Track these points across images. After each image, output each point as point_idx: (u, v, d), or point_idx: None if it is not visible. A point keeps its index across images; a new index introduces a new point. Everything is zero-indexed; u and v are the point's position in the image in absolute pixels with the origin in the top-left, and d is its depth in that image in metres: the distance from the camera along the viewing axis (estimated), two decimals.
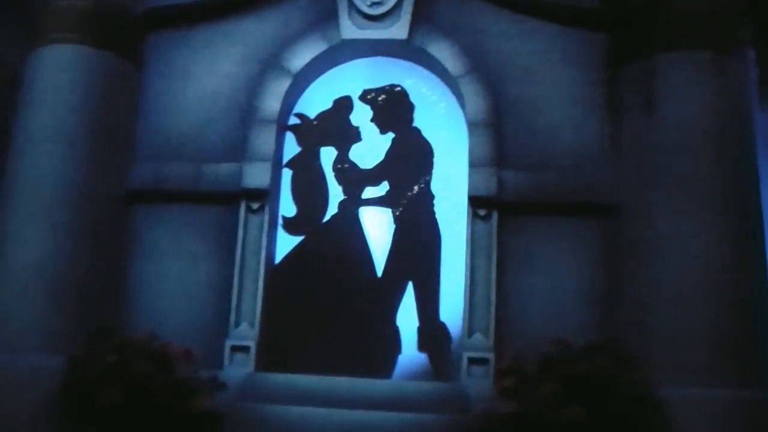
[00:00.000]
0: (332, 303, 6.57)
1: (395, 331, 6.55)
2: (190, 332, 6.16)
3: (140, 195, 6.61)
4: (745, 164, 5.96)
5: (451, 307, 6.44)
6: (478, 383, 5.92)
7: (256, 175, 6.51)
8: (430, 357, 6.48)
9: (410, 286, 6.63)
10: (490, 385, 5.80)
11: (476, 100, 6.51)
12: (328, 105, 6.97)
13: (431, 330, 6.51)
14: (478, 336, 6.11)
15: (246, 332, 6.27)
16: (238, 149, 6.61)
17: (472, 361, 6.04)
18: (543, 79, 6.57)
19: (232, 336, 6.26)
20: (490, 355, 6.01)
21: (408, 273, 6.64)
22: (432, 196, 6.73)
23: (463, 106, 6.62)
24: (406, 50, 6.79)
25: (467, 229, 6.33)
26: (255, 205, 6.51)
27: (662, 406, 5.29)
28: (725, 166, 5.83)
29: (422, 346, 6.50)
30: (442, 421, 5.74)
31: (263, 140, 6.61)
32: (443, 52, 6.65)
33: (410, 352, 6.50)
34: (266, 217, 6.51)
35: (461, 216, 6.46)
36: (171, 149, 6.72)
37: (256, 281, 6.38)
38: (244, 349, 6.23)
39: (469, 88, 6.54)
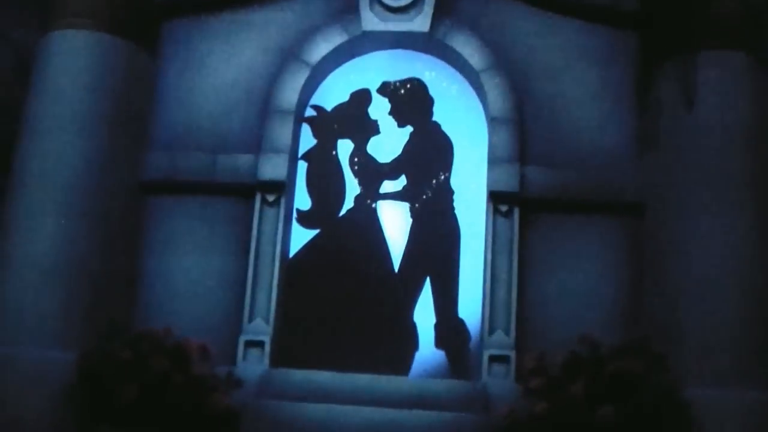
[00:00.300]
0: (348, 298, 6.48)
1: (412, 327, 6.46)
2: (204, 327, 6.06)
3: (155, 185, 6.49)
4: None
5: (471, 304, 6.38)
6: (498, 382, 5.88)
7: (273, 168, 6.41)
8: (448, 354, 6.41)
9: (428, 282, 6.55)
10: (510, 383, 5.80)
11: (498, 95, 6.44)
12: (346, 97, 6.87)
13: (449, 327, 6.44)
14: (499, 334, 6.04)
15: (260, 327, 6.16)
16: (255, 141, 6.51)
17: (493, 359, 5.97)
18: (568, 77, 6.51)
19: (246, 331, 6.14)
20: (512, 354, 5.95)
21: (426, 268, 6.56)
22: (451, 191, 6.65)
23: (483, 100, 6.55)
24: (427, 43, 6.70)
25: (487, 226, 6.26)
26: (271, 198, 6.41)
27: (690, 407, 5.23)
28: (759, 166, 5.79)
29: (440, 342, 6.43)
30: (465, 421, 5.65)
31: (280, 132, 6.50)
32: (465, 45, 6.57)
33: (427, 349, 6.42)
34: (282, 210, 6.41)
35: (480, 212, 6.40)
36: (187, 139, 6.59)
37: (271, 275, 6.27)
38: (259, 344, 6.12)
39: (491, 82, 6.46)
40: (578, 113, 6.44)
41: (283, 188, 6.41)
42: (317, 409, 5.71)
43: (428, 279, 6.55)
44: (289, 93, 6.58)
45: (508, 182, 6.22)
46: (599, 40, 6.57)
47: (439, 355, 6.41)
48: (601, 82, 6.49)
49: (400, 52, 6.83)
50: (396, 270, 6.60)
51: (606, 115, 6.43)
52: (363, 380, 5.94)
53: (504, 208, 6.22)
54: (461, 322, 6.44)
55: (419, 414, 5.68)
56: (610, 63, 6.52)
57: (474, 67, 6.52)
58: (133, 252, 6.37)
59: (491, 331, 6.05)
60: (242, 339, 6.11)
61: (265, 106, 6.57)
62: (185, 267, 6.36)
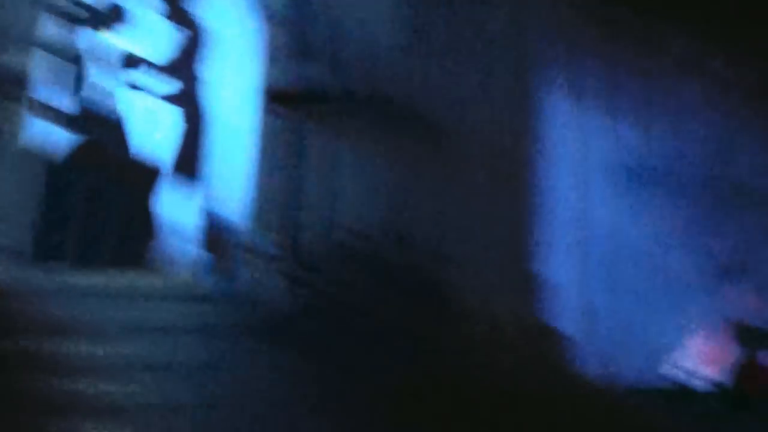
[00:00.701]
0: (107, 197, 6.32)
1: (174, 225, 6.41)
2: None
3: None
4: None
5: (239, 203, 6.33)
6: (265, 278, 5.96)
7: (13, 59, 5.92)
8: (213, 252, 6.38)
9: (193, 180, 6.48)
10: (275, 278, 5.92)
11: None
12: None
13: (214, 225, 6.42)
14: (266, 231, 6.10)
15: (11, 229, 5.81)
16: None
17: (259, 255, 6.03)
18: None
19: None
20: (278, 251, 6.03)
21: (192, 167, 6.48)
22: (220, 89, 6.53)
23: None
24: None
25: (261, 122, 6.22)
26: (14, 91, 5.93)
27: (444, 289, 5.63)
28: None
29: (204, 241, 6.40)
30: (230, 315, 5.69)
31: (22, 20, 6.02)
32: None
33: (191, 247, 6.39)
34: (24, 104, 6.00)
35: (254, 109, 6.31)
36: None
37: (18, 172, 5.90)
38: (10, 246, 5.77)
39: None
40: (358, 11, 6.44)
41: (25, 81, 5.98)
42: (73, 306, 5.47)
43: (194, 177, 6.47)
44: None
45: (283, 79, 6.20)
46: None
47: (204, 254, 6.38)
48: None
49: None
50: (161, 168, 6.46)
51: (384, 11, 6.46)
52: (121, 276, 5.88)
53: (278, 105, 6.19)
54: (226, 221, 6.42)
55: (184, 311, 5.65)
56: None
57: None
58: None
59: (259, 228, 6.10)
60: None
61: None
62: None
